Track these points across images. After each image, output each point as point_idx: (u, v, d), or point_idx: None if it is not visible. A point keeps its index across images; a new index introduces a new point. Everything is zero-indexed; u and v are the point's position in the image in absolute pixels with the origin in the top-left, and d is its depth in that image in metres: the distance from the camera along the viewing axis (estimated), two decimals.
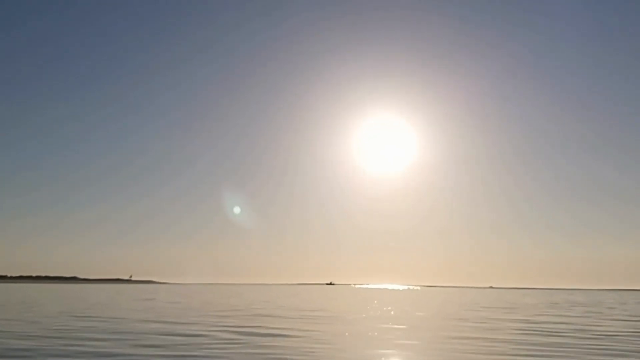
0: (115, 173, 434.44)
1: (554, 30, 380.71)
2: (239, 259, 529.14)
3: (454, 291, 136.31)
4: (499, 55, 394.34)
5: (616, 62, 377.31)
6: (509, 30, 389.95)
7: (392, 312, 25.10)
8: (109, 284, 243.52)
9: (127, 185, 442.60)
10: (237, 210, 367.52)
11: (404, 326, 17.00)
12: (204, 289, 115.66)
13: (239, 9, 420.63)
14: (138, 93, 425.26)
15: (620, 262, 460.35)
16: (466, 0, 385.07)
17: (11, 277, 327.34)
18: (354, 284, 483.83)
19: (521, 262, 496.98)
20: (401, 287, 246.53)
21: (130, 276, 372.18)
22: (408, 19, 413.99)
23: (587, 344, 12.35)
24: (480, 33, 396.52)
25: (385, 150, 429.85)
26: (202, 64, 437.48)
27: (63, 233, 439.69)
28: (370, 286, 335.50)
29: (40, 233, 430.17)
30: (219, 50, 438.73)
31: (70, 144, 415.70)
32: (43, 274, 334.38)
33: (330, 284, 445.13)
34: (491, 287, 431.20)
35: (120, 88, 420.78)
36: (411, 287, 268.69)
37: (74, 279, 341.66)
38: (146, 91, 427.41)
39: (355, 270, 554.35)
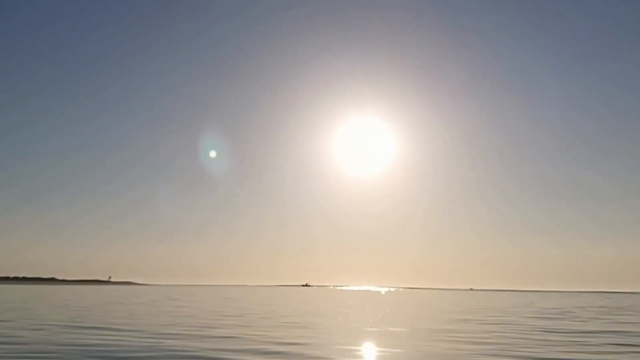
0: (92, 170, 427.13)
1: (536, 34, 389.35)
2: (215, 260, 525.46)
3: (447, 294, 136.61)
4: (479, 58, 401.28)
5: (598, 66, 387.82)
6: (490, 33, 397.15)
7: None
8: (89, 285, 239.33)
9: (105, 183, 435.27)
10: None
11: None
12: (190, 291, 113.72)
13: (221, 6, 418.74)
14: (115, 89, 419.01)
15: (600, 263, 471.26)
16: (447, 3, 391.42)
17: None
18: (331, 286, 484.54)
19: (501, 265, 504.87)
20: (374, 289, 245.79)
21: (109, 277, 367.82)
22: (390, 22, 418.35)
23: None
24: (461, 36, 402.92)
25: (365, 152, 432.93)
26: (182, 62, 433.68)
27: (40, 232, 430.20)
28: (348, 288, 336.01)
29: (17, 232, 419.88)
30: (201, 47, 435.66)
31: (46, 140, 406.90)
32: (20, 275, 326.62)
33: (306, 285, 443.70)
34: (471, 289, 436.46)
35: (96, 84, 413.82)
36: (390, 289, 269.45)
37: (52, 280, 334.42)
38: (124, 88, 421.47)
39: (332, 272, 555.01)
